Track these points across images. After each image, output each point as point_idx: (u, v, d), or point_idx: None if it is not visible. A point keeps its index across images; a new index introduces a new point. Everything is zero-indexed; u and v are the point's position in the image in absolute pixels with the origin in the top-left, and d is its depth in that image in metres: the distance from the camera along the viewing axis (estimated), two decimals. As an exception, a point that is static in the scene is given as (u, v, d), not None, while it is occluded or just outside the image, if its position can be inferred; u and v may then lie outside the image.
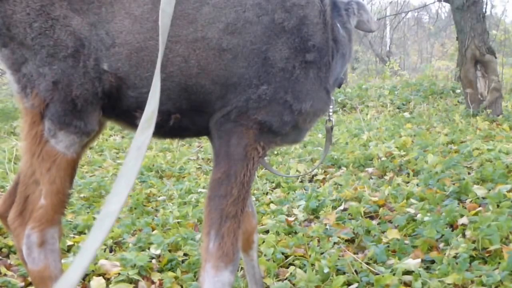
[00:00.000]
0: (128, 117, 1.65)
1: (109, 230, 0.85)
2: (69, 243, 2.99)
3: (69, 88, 1.50)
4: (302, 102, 1.59)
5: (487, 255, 2.53)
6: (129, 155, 1.02)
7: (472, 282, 2.28)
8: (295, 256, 2.69)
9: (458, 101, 8.49)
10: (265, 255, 2.67)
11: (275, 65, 1.56)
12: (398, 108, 8.57)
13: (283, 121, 1.59)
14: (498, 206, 3.10)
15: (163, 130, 1.68)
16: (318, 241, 2.84)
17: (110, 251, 2.94)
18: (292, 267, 2.56)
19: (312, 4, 1.64)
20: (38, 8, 1.49)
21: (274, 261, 2.63)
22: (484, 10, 7.09)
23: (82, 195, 4.01)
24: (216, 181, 1.57)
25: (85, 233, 3.23)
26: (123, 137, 7.13)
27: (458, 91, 9.16)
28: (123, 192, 0.91)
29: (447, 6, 14.44)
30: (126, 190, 0.92)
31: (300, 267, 2.54)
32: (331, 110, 1.85)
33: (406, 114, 7.71)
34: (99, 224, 0.84)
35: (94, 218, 3.38)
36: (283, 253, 2.68)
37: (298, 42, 1.59)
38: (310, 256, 2.67)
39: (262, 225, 3.14)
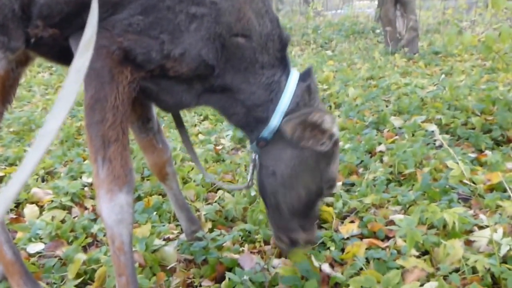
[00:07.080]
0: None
1: (47, 147, 0.84)
2: (1, 174, 2.98)
3: None
4: (175, 47, 1.54)
5: (402, 178, 2.73)
6: (69, 78, 0.99)
7: (388, 201, 2.46)
8: (223, 181, 2.76)
9: (377, 41, 8.76)
10: (194, 181, 2.72)
11: (166, 3, 1.50)
12: (321, 46, 8.72)
13: (150, 57, 1.53)
14: (413, 135, 3.32)
15: (45, 48, 1.65)
16: (245, 167, 2.92)
17: (42, 181, 2.90)
18: (220, 192, 2.62)
19: None
20: None
21: (203, 186, 2.69)
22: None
23: (11, 129, 4.07)
24: (89, 107, 1.51)
25: (16, 165, 3.18)
26: (51, 74, 7.09)
27: (377, 31, 9.44)
28: (61, 113, 0.90)
29: None
30: (64, 112, 0.90)
31: (228, 192, 2.61)
32: None
33: (329, 52, 7.86)
34: (38, 142, 0.83)
35: (24, 151, 3.36)
36: (211, 179, 2.74)
37: None
38: (237, 181, 2.75)
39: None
